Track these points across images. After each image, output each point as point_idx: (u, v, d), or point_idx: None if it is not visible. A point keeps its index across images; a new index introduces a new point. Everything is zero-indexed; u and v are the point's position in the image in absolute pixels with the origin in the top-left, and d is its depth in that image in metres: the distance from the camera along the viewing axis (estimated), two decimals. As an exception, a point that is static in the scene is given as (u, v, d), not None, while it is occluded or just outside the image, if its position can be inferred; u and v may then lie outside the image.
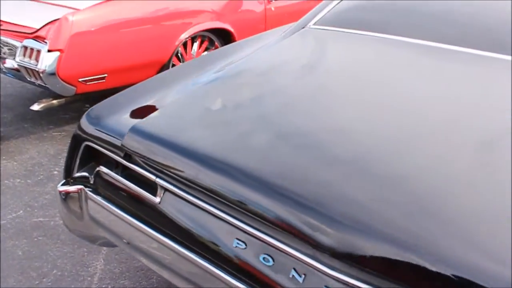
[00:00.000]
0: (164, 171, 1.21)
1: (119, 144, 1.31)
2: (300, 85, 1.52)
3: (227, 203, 1.11)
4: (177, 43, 3.17)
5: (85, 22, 2.69)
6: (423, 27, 1.82)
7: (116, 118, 1.41)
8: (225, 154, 1.15)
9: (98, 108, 1.49)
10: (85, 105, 3.72)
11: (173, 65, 3.30)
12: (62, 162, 2.87)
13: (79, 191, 1.51)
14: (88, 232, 1.58)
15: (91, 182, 1.48)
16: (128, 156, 1.31)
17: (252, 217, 1.06)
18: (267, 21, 3.99)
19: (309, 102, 1.40)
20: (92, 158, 1.52)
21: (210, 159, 1.15)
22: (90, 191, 1.48)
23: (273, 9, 4.03)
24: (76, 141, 1.47)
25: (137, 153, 1.25)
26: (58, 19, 2.68)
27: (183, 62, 3.38)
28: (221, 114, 1.33)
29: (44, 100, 2.93)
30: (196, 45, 3.45)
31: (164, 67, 3.20)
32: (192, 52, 3.43)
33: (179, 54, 3.33)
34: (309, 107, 1.35)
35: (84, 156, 1.50)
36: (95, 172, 1.46)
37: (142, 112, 1.40)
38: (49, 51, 2.61)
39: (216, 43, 3.61)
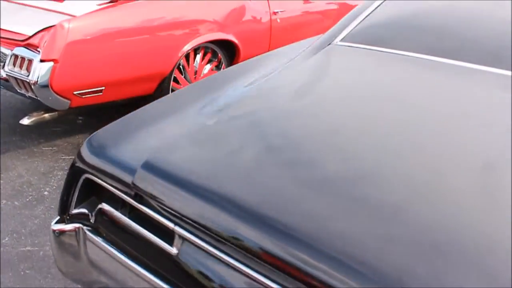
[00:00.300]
0: (185, 218, 1.00)
1: (129, 182, 1.10)
2: (334, 113, 1.32)
3: (265, 264, 0.90)
4: (180, 54, 2.96)
5: (82, 30, 2.47)
6: (463, 47, 1.64)
7: (123, 148, 1.20)
8: (260, 203, 0.95)
9: (101, 134, 1.28)
10: (78, 117, 3.49)
11: (175, 78, 3.10)
12: (53, 181, 2.64)
13: (77, 230, 1.29)
14: (85, 277, 1.35)
15: (92, 220, 1.26)
16: (139, 196, 1.10)
17: (297, 282, 0.85)
18: (272, 33, 3.82)
19: (351, 136, 1.20)
20: (93, 191, 1.30)
21: (242, 207, 0.94)
22: (89, 231, 1.27)
23: (278, 20, 3.85)
24: (75, 172, 1.26)
25: (151, 195, 1.04)
26: (52, 26, 2.46)
27: (185, 74, 3.18)
28: (252, 148, 1.12)
29: (35, 113, 2.70)
30: (199, 57, 3.25)
31: (166, 79, 2.99)
32: (194, 64, 3.23)
33: (180, 66, 3.13)
34: (354, 142, 1.15)
35: (84, 189, 1.28)
36: (96, 209, 1.24)
37: (154, 142, 1.19)
38: (41, 61, 2.38)
39: (219, 54, 3.42)
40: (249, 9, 3.56)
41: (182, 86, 3.17)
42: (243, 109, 1.33)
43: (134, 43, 2.68)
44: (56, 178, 2.67)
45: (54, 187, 2.57)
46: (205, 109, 1.34)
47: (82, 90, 2.54)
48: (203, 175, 1.03)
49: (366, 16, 1.89)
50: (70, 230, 1.30)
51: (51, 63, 2.37)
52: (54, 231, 1.31)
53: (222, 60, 3.47)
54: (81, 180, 1.25)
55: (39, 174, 2.71)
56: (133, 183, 1.07)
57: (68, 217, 1.31)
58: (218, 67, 3.48)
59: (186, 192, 1.00)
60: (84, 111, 3.53)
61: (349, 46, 1.74)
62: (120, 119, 1.35)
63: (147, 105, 1.42)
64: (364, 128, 1.23)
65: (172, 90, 3.11)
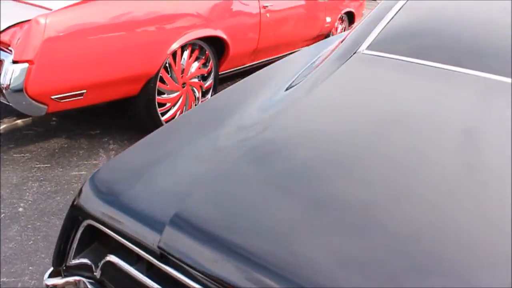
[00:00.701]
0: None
1: (153, 240, 0.88)
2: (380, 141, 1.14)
3: None
4: (168, 52, 2.70)
5: (61, 25, 2.18)
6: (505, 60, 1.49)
7: (138, 192, 0.97)
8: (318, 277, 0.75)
9: (107, 172, 1.04)
10: (52, 118, 3.19)
11: (161, 78, 2.84)
12: (28, 195, 2.36)
13: (77, 282, 1.06)
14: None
15: (96, 274, 1.04)
16: (165, 257, 0.88)
17: None
18: (262, 28, 3.60)
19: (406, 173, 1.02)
20: (95, 236, 1.07)
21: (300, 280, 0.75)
22: (92, 284, 1.04)
23: (268, 15, 3.64)
24: (75, 218, 1.02)
25: (186, 260, 0.82)
26: (26, 21, 2.16)
27: (171, 74, 2.92)
28: (303, 195, 0.92)
29: (6, 120, 2.41)
30: (186, 54, 2.99)
31: (152, 79, 2.73)
32: (182, 62, 2.97)
33: (167, 65, 2.87)
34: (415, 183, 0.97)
35: (85, 236, 1.05)
36: (103, 262, 1.01)
37: (177, 185, 0.96)
38: (14, 62, 2.09)
39: (207, 51, 3.18)
40: (238, 4, 3.33)
41: (168, 86, 2.92)
42: (275, 135, 1.12)
43: (120, 40, 2.41)
44: (31, 190, 2.39)
45: (30, 202, 2.29)
46: (230, 137, 1.12)
47: (61, 94, 2.26)
48: (252, 236, 0.82)
49: (390, 20, 1.71)
50: (69, 283, 1.07)
51: (26, 65, 2.08)
52: (48, 286, 1.07)
53: (210, 57, 3.23)
54: (82, 227, 1.02)
55: (11, 186, 2.41)
56: (160, 246, 0.85)
57: (64, 268, 1.08)
58: (205, 65, 3.25)
59: (231, 258, 0.80)
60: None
61: (377, 55, 1.55)
62: (128, 151, 1.11)
63: (158, 132, 1.18)
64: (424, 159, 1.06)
65: (159, 91, 2.85)
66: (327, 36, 5.08)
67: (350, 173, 1.00)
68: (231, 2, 3.25)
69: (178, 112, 3.09)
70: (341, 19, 5.33)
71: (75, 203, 1.03)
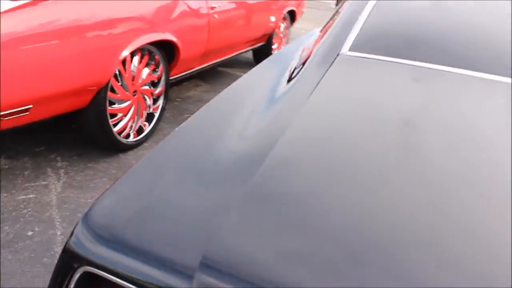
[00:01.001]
0: None
1: (174, 283, 0.75)
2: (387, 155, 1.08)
3: None
4: (120, 58, 2.51)
5: (3, 31, 1.94)
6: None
7: (146, 231, 0.83)
8: None
9: (101, 210, 0.88)
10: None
11: (112, 88, 2.63)
12: (-30, 227, 2.08)
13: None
14: None
15: (95, 327, 0.89)
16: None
17: None
18: (211, 29, 3.48)
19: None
20: (91, 284, 0.92)
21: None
22: None
23: (216, 16, 3.52)
24: (68, 266, 0.86)
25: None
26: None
27: (122, 82, 2.72)
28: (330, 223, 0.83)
29: None
30: (136, 60, 2.81)
31: (102, 90, 2.52)
32: (132, 69, 2.78)
33: (117, 73, 2.67)
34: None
35: (79, 284, 0.90)
36: (105, 314, 0.87)
37: (190, 221, 0.84)
38: None
39: (157, 56, 3.01)
40: (186, 6, 3.18)
41: (119, 95, 2.72)
42: (285, 156, 1.02)
43: (67, 48, 2.19)
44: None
45: None
46: (231, 162, 1.01)
47: (4, 111, 2.01)
48: (290, 271, 0.72)
49: (366, 19, 1.67)
50: None
51: (-38, 80, 1.82)
52: None
53: (160, 62, 3.06)
54: (78, 273, 0.87)
55: (-52, 218, 2.12)
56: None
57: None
58: (155, 71, 3.07)
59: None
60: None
61: (362, 57, 1.50)
62: (120, 183, 0.94)
63: (149, 158, 1.03)
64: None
65: (110, 101, 2.65)
66: (271, 35, 5.04)
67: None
68: (180, 5, 3.10)
69: (130, 122, 2.90)
70: (284, 18, 5.32)
71: (67, 247, 0.87)
